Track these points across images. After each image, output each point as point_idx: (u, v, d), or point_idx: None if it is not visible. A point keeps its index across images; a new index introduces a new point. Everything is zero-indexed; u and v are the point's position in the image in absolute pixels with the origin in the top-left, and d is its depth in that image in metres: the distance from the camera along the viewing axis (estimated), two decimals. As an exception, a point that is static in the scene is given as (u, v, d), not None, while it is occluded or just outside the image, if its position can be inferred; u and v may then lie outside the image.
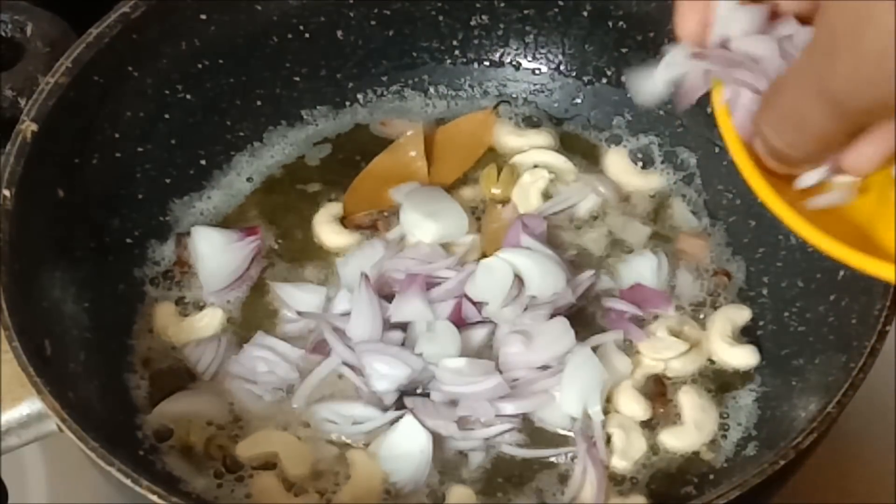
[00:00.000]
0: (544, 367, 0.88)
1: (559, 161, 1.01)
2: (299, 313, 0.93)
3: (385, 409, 0.88)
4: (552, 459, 0.87)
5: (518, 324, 0.89)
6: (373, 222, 0.98)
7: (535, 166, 1.01)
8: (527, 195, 0.99)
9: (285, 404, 0.89)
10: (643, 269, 0.95)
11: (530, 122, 1.05)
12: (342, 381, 0.90)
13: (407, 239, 0.96)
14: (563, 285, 0.91)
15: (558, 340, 0.88)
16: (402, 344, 0.89)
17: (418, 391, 0.89)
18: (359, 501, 0.85)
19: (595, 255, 0.97)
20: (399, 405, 0.88)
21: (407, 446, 0.86)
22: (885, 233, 0.68)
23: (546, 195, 0.99)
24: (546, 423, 0.88)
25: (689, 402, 0.89)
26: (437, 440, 0.86)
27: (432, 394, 0.87)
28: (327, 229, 0.98)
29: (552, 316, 0.89)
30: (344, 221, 0.99)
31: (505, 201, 0.99)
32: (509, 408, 0.87)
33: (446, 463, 0.87)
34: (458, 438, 0.87)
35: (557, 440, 0.88)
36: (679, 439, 0.88)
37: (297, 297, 0.94)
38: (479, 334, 0.90)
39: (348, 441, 0.88)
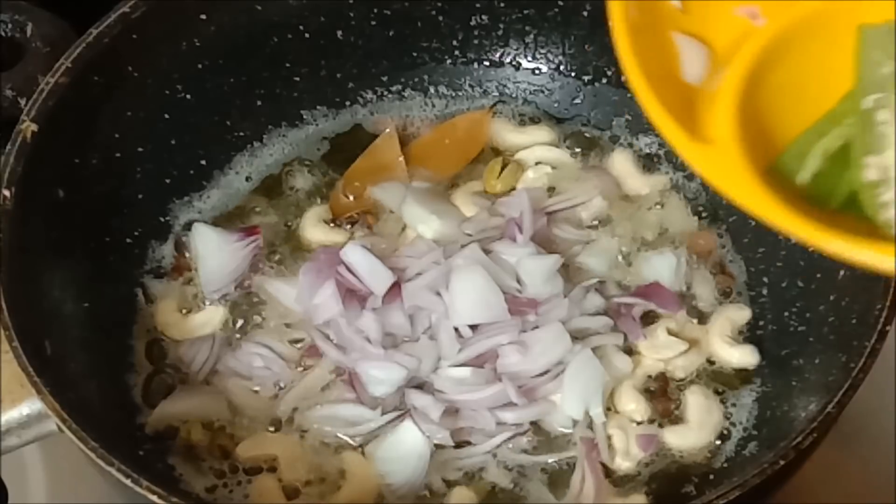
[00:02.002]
0: (543, 374, 0.88)
1: (562, 157, 1.01)
2: (287, 325, 0.93)
3: (382, 410, 0.88)
4: (552, 462, 0.87)
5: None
6: (361, 218, 0.99)
7: (538, 163, 1.01)
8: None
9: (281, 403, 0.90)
10: (662, 267, 0.95)
11: (530, 122, 1.05)
12: (338, 382, 0.90)
13: (406, 234, 0.96)
14: (560, 285, 0.91)
15: (554, 346, 0.88)
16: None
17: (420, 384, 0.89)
18: (355, 503, 0.85)
19: (600, 256, 0.96)
20: (399, 404, 0.88)
21: (405, 450, 0.86)
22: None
23: (550, 192, 0.99)
24: (548, 425, 0.88)
25: (695, 401, 0.89)
26: (441, 457, 0.87)
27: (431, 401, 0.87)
28: (316, 229, 0.98)
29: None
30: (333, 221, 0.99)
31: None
32: (511, 416, 0.87)
33: (448, 464, 0.87)
34: (461, 457, 0.87)
35: (559, 442, 0.88)
36: (682, 438, 0.88)
37: (292, 296, 0.94)
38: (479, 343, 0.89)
39: (347, 441, 0.88)
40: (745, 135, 0.67)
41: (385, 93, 1.06)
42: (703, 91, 0.69)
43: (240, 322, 0.94)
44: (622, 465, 0.87)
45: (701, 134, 0.66)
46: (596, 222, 0.98)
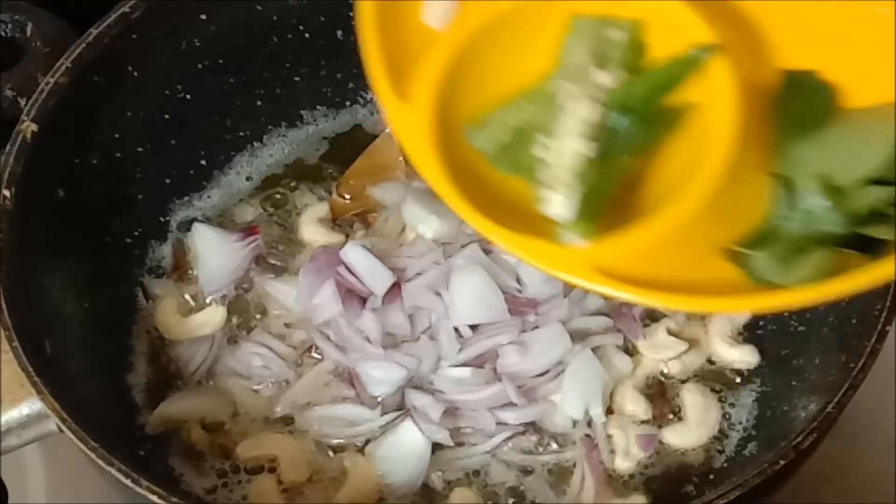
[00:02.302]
0: (543, 374, 0.88)
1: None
2: (286, 325, 0.93)
3: (382, 410, 0.88)
4: (552, 462, 0.87)
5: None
6: (360, 218, 0.99)
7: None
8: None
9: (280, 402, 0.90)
10: None
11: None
12: (338, 382, 0.90)
13: (406, 234, 0.96)
14: (560, 285, 0.90)
15: (554, 346, 0.88)
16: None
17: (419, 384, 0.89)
18: (355, 503, 0.85)
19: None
20: (399, 404, 0.88)
21: (405, 450, 0.86)
22: None
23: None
24: (548, 425, 0.88)
25: (693, 400, 0.89)
26: (441, 457, 0.87)
27: (431, 401, 0.87)
28: (315, 229, 0.98)
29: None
30: (332, 221, 0.99)
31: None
32: (511, 416, 0.87)
33: (448, 465, 0.87)
34: (461, 457, 0.87)
35: (559, 442, 0.88)
36: (681, 437, 0.88)
37: (291, 296, 0.94)
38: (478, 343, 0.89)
39: (347, 441, 0.88)
40: (448, 99, 0.68)
41: (385, 93, 1.06)
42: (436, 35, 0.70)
43: (239, 322, 0.94)
44: (622, 464, 0.87)
45: (408, 88, 0.67)
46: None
